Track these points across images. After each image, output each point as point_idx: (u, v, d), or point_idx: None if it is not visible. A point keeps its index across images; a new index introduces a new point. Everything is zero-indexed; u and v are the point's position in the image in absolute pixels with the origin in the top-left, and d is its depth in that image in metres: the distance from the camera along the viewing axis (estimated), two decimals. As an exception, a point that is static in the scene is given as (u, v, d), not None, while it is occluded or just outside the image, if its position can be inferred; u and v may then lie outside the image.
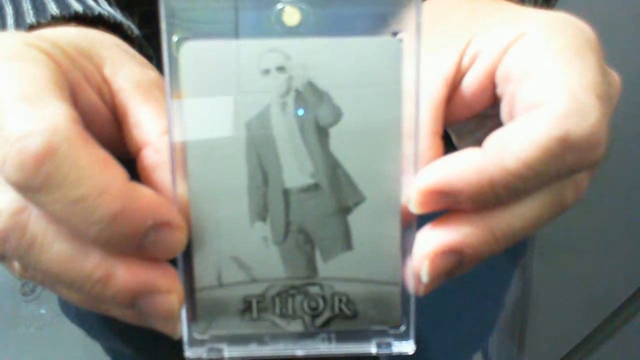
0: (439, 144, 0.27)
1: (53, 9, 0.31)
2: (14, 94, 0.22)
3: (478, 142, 0.31)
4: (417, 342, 0.26)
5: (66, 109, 0.22)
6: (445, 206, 0.24)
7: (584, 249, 1.04)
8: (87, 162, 0.21)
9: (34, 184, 0.21)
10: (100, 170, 0.21)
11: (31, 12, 0.31)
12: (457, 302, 0.43)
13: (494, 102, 0.28)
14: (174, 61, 0.24)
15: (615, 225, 1.02)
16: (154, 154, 0.25)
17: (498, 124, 0.28)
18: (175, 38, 0.24)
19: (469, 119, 0.29)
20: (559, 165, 0.23)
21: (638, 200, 1.01)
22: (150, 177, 0.25)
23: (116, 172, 0.22)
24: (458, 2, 0.30)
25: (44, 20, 0.30)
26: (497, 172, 0.23)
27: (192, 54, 0.24)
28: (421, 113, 0.26)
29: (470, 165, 0.23)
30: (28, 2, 0.32)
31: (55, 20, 0.31)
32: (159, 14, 0.23)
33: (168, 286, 0.23)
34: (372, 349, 0.26)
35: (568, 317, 0.97)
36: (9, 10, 0.32)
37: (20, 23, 0.31)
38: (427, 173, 0.24)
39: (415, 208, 0.24)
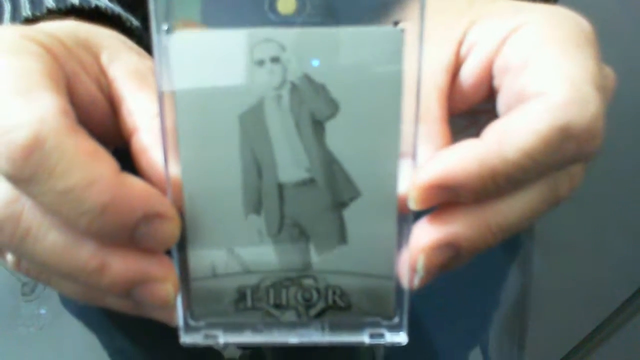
0: (447, 130, 0.26)
1: (49, 1, 0.31)
2: (4, 88, 0.22)
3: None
4: (412, 338, 0.26)
5: (56, 101, 0.22)
6: (445, 200, 0.24)
7: (585, 249, 1.04)
8: (76, 153, 0.21)
9: (23, 175, 0.21)
10: (89, 161, 0.21)
11: (27, 6, 0.31)
12: (452, 297, 0.43)
13: (490, 95, 0.28)
14: (163, 51, 0.23)
15: (615, 225, 1.02)
16: (145, 136, 0.25)
17: (492, 119, 0.28)
18: (165, 27, 0.23)
19: (462, 113, 0.29)
20: (559, 156, 0.23)
21: (638, 200, 1.01)
22: (141, 160, 0.25)
23: (106, 163, 0.22)
24: None
25: (40, 13, 0.30)
26: (498, 163, 0.23)
27: (182, 44, 0.23)
28: (429, 99, 0.26)
29: (471, 157, 0.23)
30: None
31: (52, 14, 0.31)
32: (148, 2, 0.22)
33: (163, 275, 0.23)
34: (365, 339, 0.26)
35: (568, 317, 0.96)
36: (6, 6, 0.32)
37: (16, 17, 0.31)
38: (427, 169, 0.23)
39: (414, 205, 0.24)
